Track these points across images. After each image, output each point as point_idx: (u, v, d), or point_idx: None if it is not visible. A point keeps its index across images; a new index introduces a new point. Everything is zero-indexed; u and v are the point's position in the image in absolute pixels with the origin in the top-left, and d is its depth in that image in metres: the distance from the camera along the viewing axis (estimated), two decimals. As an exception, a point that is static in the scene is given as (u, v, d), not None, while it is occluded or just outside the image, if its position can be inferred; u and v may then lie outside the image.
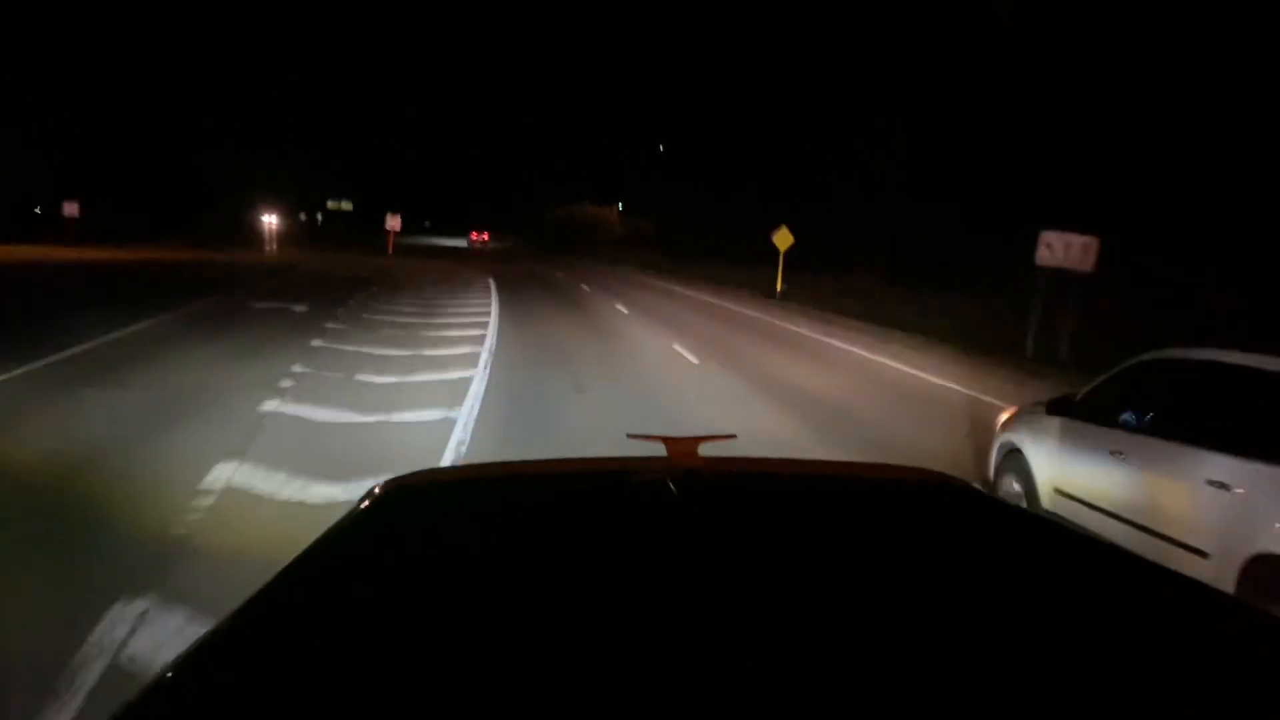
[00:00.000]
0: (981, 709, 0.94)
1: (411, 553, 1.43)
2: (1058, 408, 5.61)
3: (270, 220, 78.53)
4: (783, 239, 27.81)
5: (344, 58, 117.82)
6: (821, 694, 0.96)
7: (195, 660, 1.07)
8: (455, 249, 69.82)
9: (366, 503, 1.63)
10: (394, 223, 50.47)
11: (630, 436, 1.99)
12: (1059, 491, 5.39)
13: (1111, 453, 4.84)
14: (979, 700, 0.96)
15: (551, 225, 79.91)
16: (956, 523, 1.64)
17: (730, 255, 39.00)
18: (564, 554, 1.40)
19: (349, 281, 27.37)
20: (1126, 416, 4.84)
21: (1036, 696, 0.98)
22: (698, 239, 47.62)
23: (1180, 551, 4.18)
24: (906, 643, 1.08)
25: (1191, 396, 4.59)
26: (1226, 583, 3.84)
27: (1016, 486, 5.95)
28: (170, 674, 1.04)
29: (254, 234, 66.03)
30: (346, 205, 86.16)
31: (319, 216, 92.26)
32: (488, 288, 28.19)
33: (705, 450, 1.77)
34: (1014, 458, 6.04)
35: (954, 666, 1.03)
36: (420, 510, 1.66)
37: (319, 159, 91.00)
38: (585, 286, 30.96)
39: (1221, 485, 3.99)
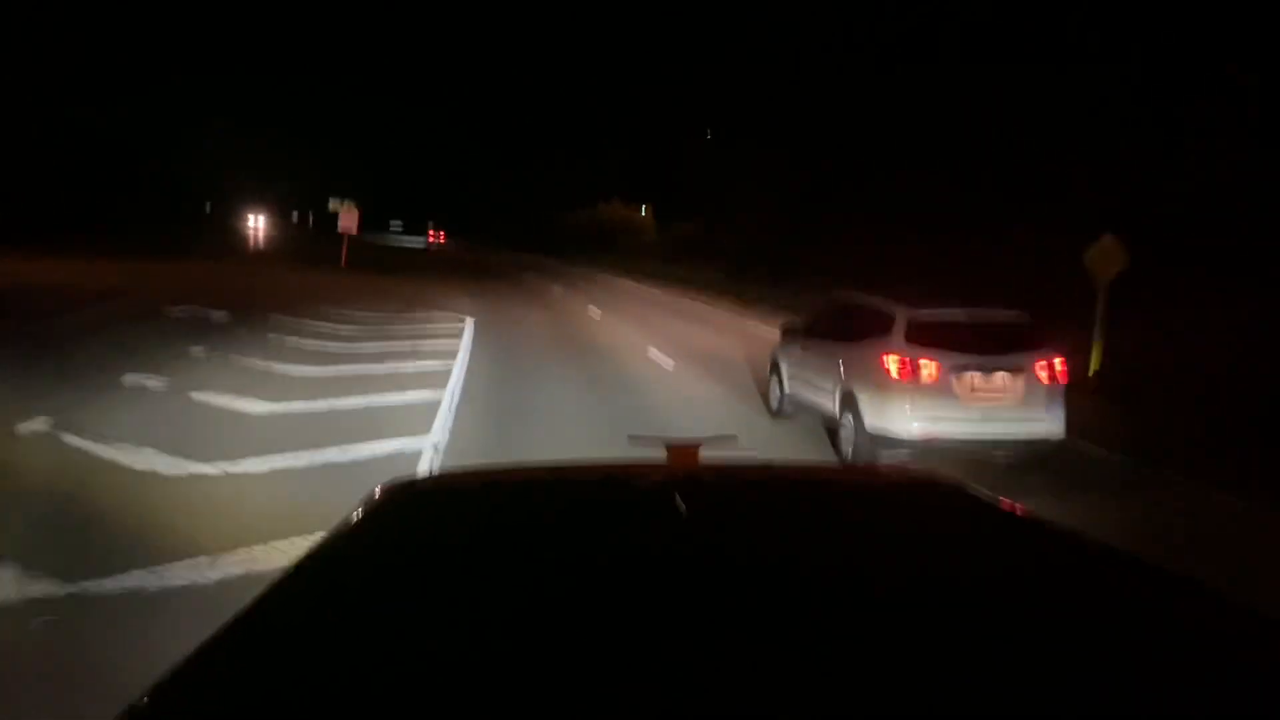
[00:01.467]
0: (983, 710, 0.93)
1: (413, 556, 1.40)
2: (788, 331, 10.46)
3: (255, 222, 66.74)
4: (1107, 258, 13.01)
5: (343, 54, 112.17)
6: (825, 696, 0.94)
7: (197, 663, 1.04)
8: (446, 260, 58.57)
9: (365, 507, 1.57)
10: (348, 221, 32.27)
11: (631, 439, 2.00)
12: (791, 377, 9.81)
13: (803, 349, 9.59)
14: (980, 701, 0.94)
15: (566, 229, 71.23)
16: (956, 524, 1.62)
17: (866, 277, 24.65)
18: (566, 558, 1.37)
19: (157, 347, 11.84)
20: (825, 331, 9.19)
21: (1037, 697, 0.96)
22: (790, 249, 33.05)
23: (824, 396, 8.78)
24: (907, 644, 1.07)
25: (837, 315, 9.30)
26: (837, 406, 8.49)
27: (775, 379, 10.35)
28: (173, 676, 1.01)
29: (232, 237, 54.83)
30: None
31: (310, 218, 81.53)
32: (454, 343, 14.57)
33: (707, 453, 1.76)
34: (777, 364, 10.39)
35: (954, 667, 1.01)
36: (421, 514, 1.61)
37: (325, 158, 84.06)
38: (664, 359, 17.17)
39: (834, 357, 8.67)
